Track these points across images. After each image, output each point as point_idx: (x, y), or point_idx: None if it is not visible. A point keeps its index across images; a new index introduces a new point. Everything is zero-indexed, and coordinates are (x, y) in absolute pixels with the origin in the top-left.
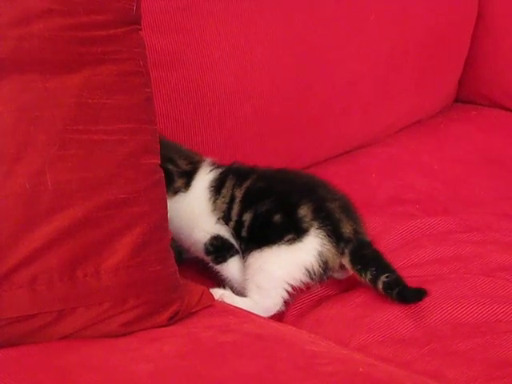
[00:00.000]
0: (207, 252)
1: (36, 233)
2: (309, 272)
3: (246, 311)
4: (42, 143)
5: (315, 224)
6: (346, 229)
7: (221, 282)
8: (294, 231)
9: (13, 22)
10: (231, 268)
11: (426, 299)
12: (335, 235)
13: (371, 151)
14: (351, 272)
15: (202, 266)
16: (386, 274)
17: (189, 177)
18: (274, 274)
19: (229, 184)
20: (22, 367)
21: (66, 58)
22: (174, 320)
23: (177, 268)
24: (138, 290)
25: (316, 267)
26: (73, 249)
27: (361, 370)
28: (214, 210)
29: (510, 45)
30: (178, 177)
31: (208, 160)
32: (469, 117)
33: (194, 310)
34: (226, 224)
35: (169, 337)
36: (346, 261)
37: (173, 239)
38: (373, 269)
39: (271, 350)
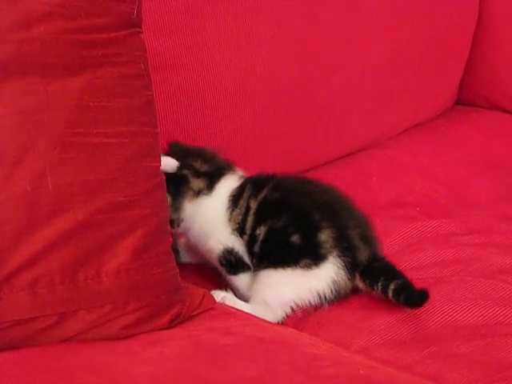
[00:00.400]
0: (220, 263)
1: (37, 236)
2: (320, 297)
3: (248, 314)
4: (42, 146)
5: (335, 252)
6: (362, 257)
7: (223, 285)
8: (311, 256)
9: (14, 25)
10: (241, 281)
11: (427, 302)
12: (352, 265)
13: (372, 154)
14: (365, 290)
15: (204, 268)
16: (394, 282)
17: (211, 179)
18: (284, 295)
19: (246, 194)
20: (23, 370)
21: (66, 61)
22: (175, 323)
23: (178, 271)
24: (139, 292)
25: (328, 294)
26: (74, 252)
27: (361, 372)
28: (230, 220)
29: (511, 47)
30: (194, 176)
31: (239, 171)
32: (469, 119)
33: (195, 313)
34: (241, 237)
35: (170, 340)
36: (357, 282)
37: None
38: (382, 279)
39: (272, 353)
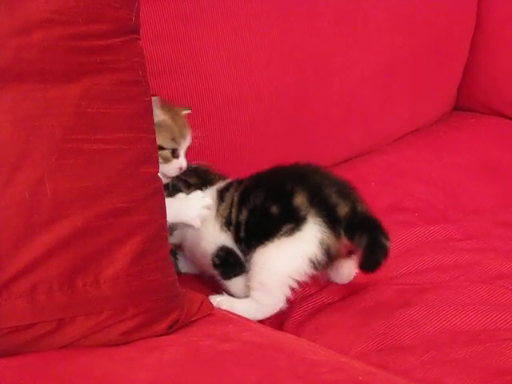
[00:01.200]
0: (214, 265)
1: (35, 242)
2: (313, 262)
3: (246, 320)
4: (41, 153)
5: (312, 211)
6: (343, 211)
7: (220, 291)
8: (292, 220)
9: (12, 31)
10: (235, 286)
11: (425, 307)
12: (332, 220)
13: (371, 159)
14: (352, 245)
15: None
16: (366, 237)
17: (200, 188)
18: (277, 269)
19: (232, 190)
20: (22, 376)
21: (65, 67)
22: (173, 329)
23: (176, 277)
24: (137, 298)
25: (319, 256)
26: (72, 258)
27: (360, 378)
28: (217, 216)
29: (509, 53)
30: (185, 187)
31: (228, 179)
32: (468, 125)
33: (193, 319)
34: (228, 229)
35: (168, 346)
36: (343, 239)
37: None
38: (359, 233)
39: (271, 359)
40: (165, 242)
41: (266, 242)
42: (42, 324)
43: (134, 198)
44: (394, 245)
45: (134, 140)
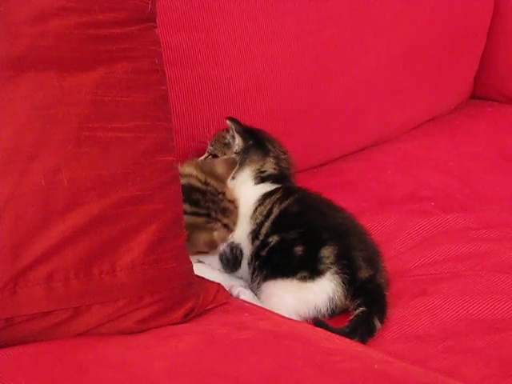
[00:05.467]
0: (220, 258)
1: (52, 230)
2: (316, 311)
3: (262, 308)
4: (57, 141)
5: (333, 269)
6: (363, 276)
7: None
8: (309, 269)
9: (29, 19)
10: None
11: (442, 296)
12: (350, 282)
13: (387, 148)
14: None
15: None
16: (361, 309)
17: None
18: (286, 302)
19: (273, 198)
20: (39, 364)
21: (81, 55)
22: (189, 317)
23: (192, 265)
24: (153, 287)
25: (324, 310)
26: (88, 246)
27: (376, 367)
28: (252, 218)
29: None
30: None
31: None
32: (485, 113)
33: (209, 307)
34: (252, 242)
35: (184, 334)
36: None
37: None
38: (358, 301)
39: (286, 348)
40: (181, 231)
41: (279, 278)
42: (59, 312)
43: (149, 187)
44: (410, 234)
45: (149, 128)
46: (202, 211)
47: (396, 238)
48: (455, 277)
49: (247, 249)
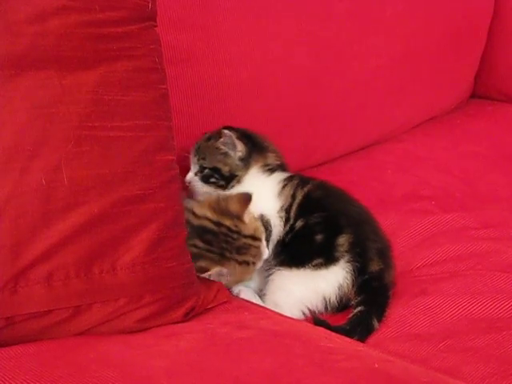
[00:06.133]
0: None
1: (52, 229)
2: (325, 301)
3: (262, 307)
4: (57, 140)
5: (347, 257)
6: (373, 267)
7: None
8: (325, 257)
9: (29, 18)
10: None
11: (442, 295)
12: (360, 272)
13: (387, 147)
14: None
15: None
16: (360, 308)
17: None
18: (293, 294)
19: (294, 181)
20: (39, 363)
21: (81, 54)
22: (189, 316)
23: (192, 264)
24: (153, 286)
25: (333, 299)
26: (89, 245)
27: (377, 366)
28: (279, 196)
29: None
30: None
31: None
32: (485, 112)
33: (209, 306)
34: (284, 223)
35: (184, 333)
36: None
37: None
38: (360, 298)
39: (287, 347)
40: (181, 230)
41: (293, 268)
42: (59, 311)
43: (150, 186)
44: (410, 234)
45: (150, 127)
46: (215, 250)
47: (396, 238)
48: (455, 276)
49: (276, 229)
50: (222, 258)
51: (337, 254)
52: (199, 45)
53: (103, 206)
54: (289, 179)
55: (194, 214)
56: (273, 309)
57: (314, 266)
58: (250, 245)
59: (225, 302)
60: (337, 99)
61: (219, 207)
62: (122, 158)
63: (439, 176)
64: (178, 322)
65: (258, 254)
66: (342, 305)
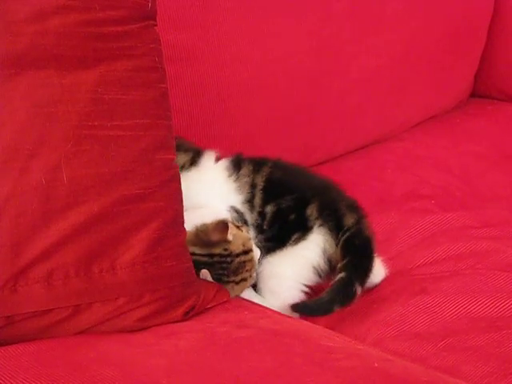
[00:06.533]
0: None
1: (52, 228)
2: (316, 270)
3: (262, 307)
4: (57, 139)
5: (319, 221)
6: (348, 221)
7: None
8: (301, 230)
9: (29, 18)
10: None
11: (442, 294)
12: (337, 228)
13: (387, 146)
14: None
15: None
16: (345, 273)
17: (194, 155)
18: (284, 276)
19: (247, 168)
20: (39, 362)
21: (81, 53)
22: (189, 315)
23: (192, 263)
24: (153, 285)
25: (322, 264)
26: (88, 244)
27: (376, 365)
28: (239, 188)
29: None
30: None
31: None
32: (485, 112)
33: (209, 306)
34: (251, 210)
35: (184, 332)
36: (338, 249)
37: None
38: (347, 259)
39: (287, 346)
40: (181, 229)
41: (277, 250)
42: (59, 310)
43: (150, 185)
44: (410, 233)
45: (150, 126)
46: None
47: (396, 237)
48: (455, 275)
49: (249, 217)
50: (220, 284)
51: (310, 224)
52: (199, 44)
53: (103, 205)
54: (236, 166)
55: None
56: (272, 298)
57: (294, 242)
58: (245, 261)
59: (224, 302)
60: (336, 99)
61: (202, 241)
62: (122, 157)
63: (439, 175)
64: (177, 321)
65: (253, 264)
66: (332, 267)
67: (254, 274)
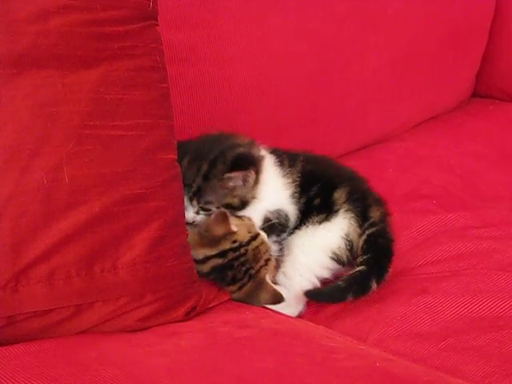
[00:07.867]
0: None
1: (53, 228)
2: (336, 255)
3: (263, 307)
4: (59, 139)
5: (346, 206)
6: (374, 213)
7: None
8: (325, 212)
9: (31, 17)
10: None
11: (443, 294)
12: (363, 216)
13: (388, 146)
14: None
15: None
16: (362, 271)
17: None
18: (299, 261)
19: (287, 163)
20: (41, 361)
21: (83, 53)
22: (191, 315)
23: (193, 263)
24: (154, 285)
25: (343, 248)
26: (90, 244)
27: (378, 365)
28: (288, 183)
29: None
30: None
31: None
32: (486, 112)
33: (210, 306)
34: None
35: (186, 332)
36: (361, 241)
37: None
38: (365, 256)
39: (288, 346)
40: (182, 229)
41: (297, 230)
42: (60, 309)
43: (151, 184)
44: (411, 234)
45: (151, 126)
46: (245, 280)
47: (397, 237)
48: (456, 275)
49: (292, 213)
50: (254, 279)
51: (336, 207)
52: (200, 44)
53: (104, 204)
54: (280, 160)
55: (196, 262)
56: (284, 284)
57: (318, 222)
58: (257, 246)
59: (226, 301)
60: (337, 98)
61: (207, 240)
62: (123, 157)
63: (440, 175)
64: (179, 321)
65: (266, 245)
66: (353, 255)
67: (274, 252)
